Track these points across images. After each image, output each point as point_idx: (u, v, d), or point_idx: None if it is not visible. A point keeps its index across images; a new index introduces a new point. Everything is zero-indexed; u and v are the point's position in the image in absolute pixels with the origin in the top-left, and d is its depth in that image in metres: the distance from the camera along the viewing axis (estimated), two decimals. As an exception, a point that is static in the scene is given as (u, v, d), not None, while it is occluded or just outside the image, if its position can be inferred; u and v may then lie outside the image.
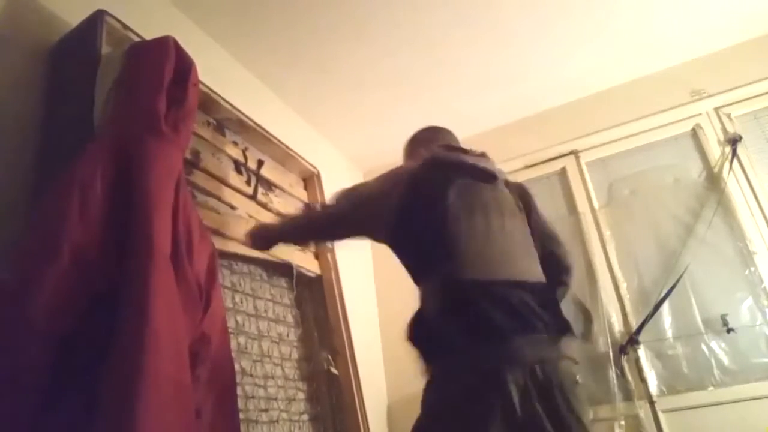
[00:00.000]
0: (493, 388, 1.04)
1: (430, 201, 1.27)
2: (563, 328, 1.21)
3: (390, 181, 1.37)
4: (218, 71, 1.95)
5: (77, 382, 0.86)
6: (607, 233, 2.47)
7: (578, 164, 2.64)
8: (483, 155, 1.44)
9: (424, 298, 1.22)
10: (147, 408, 0.81)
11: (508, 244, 1.28)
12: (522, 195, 1.47)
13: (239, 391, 1.49)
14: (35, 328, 0.85)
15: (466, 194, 1.29)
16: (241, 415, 1.47)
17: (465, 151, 1.44)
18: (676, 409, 2.12)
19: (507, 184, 1.46)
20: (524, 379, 1.06)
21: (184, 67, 1.25)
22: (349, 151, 2.93)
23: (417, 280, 1.29)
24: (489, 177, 1.40)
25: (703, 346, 2.16)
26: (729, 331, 2.13)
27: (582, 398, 1.16)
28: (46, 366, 0.85)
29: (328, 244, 2.02)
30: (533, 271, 1.28)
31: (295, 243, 1.82)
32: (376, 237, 1.41)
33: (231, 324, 1.58)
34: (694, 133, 2.48)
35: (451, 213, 1.24)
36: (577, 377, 1.19)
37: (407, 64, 2.30)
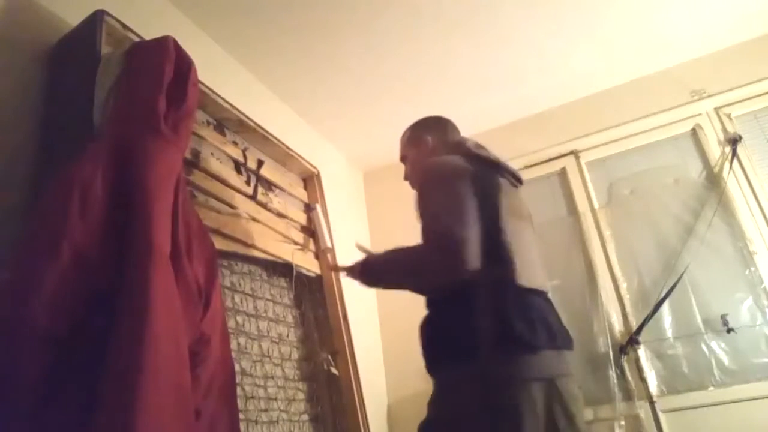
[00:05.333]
0: (523, 398, 1.07)
1: (483, 198, 1.23)
2: (569, 341, 1.24)
3: (455, 185, 1.23)
4: (218, 71, 1.95)
5: (77, 381, 0.86)
6: (607, 233, 2.47)
7: (578, 164, 2.65)
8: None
9: (462, 301, 1.17)
10: (146, 408, 0.81)
11: (532, 251, 1.30)
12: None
13: (239, 391, 1.49)
14: (35, 327, 0.85)
15: (507, 195, 1.30)
16: (241, 415, 1.47)
17: (487, 150, 1.44)
18: (676, 409, 2.12)
19: None
20: (548, 391, 1.10)
21: (183, 67, 1.25)
22: (349, 151, 2.93)
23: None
24: (519, 181, 1.42)
25: (703, 346, 2.16)
26: (729, 331, 2.13)
27: (583, 409, 1.21)
28: (46, 365, 0.85)
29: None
30: (546, 281, 1.30)
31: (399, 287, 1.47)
32: None
33: (231, 324, 1.58)
34: (694, 133, 2.48)
35: (502, 214, 1.23)
36: (581, 389, 1.23)
37: (407, 64, 2.30)
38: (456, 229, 1.11)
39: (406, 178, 1.57)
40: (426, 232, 1.19)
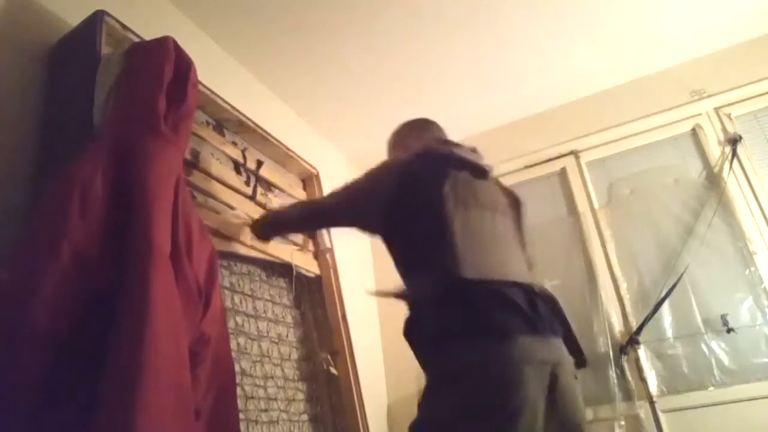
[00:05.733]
0: (513, 387, 1.01)
1: (424, 193, 1.24)
2: (557, 329, 1.19)
3: (382, 172, 1.37)
4: (218, 71, 1.95)
5: (77, 381, 0.86)
6: (607, 233, 2.47)
7: (578, 164, 2.65)
8: (474, 150, 1.42)
9: (418, 294, 1.20)
10: (146, 408, 0.81)
11: (499, 242, 1.27)
12: (515, 200, 1.45)
13: (239, 391, 1.49)
14: (35, 327, 0.85)
15: (460, 188, 1.27)
16: (241, 416, 1.47)
17: (457, 145, 1.42)
18: (676, 409, 2.12)
19: (497, 182, 1.45)
20: (539, 378, 1.05)
21: (183, 67, 1.25)
22: (349, 151, 2.93)
23: (407, 273, 1.27)
24: (482, 172, 1.38)
25: (703, 346, 2.16)
26: (729, 331, 2.13)
27: (582, 401, 1.17)
28: (46, 365, 0.85)
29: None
30: (522, 272, 1.26)
31: (293, 232, 1.87)
32: (368, 228, 1.44)
33: (230, 324, 1.58)
34: (694, 133, 2.48)
35: (447, 206, 1.21)
36: (577, 379, 1.18)
37: (407, 64, 2.30)
38: (345, 194, 1.44)
39: None
40: None
